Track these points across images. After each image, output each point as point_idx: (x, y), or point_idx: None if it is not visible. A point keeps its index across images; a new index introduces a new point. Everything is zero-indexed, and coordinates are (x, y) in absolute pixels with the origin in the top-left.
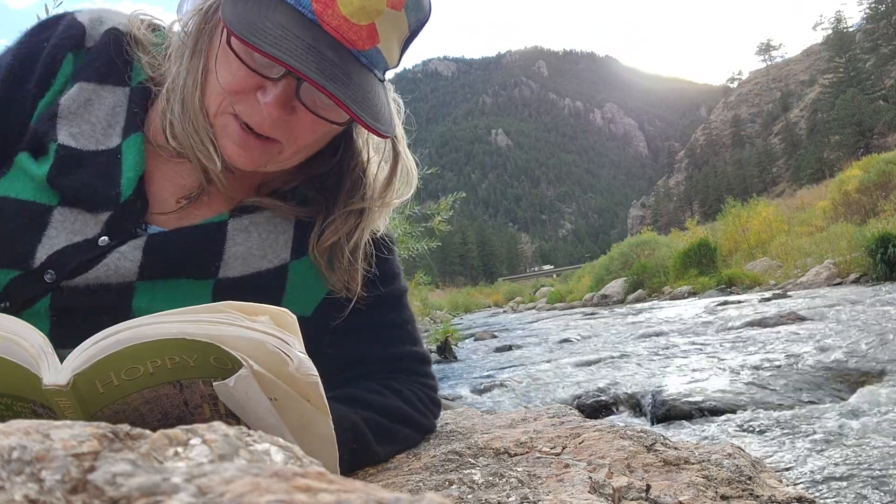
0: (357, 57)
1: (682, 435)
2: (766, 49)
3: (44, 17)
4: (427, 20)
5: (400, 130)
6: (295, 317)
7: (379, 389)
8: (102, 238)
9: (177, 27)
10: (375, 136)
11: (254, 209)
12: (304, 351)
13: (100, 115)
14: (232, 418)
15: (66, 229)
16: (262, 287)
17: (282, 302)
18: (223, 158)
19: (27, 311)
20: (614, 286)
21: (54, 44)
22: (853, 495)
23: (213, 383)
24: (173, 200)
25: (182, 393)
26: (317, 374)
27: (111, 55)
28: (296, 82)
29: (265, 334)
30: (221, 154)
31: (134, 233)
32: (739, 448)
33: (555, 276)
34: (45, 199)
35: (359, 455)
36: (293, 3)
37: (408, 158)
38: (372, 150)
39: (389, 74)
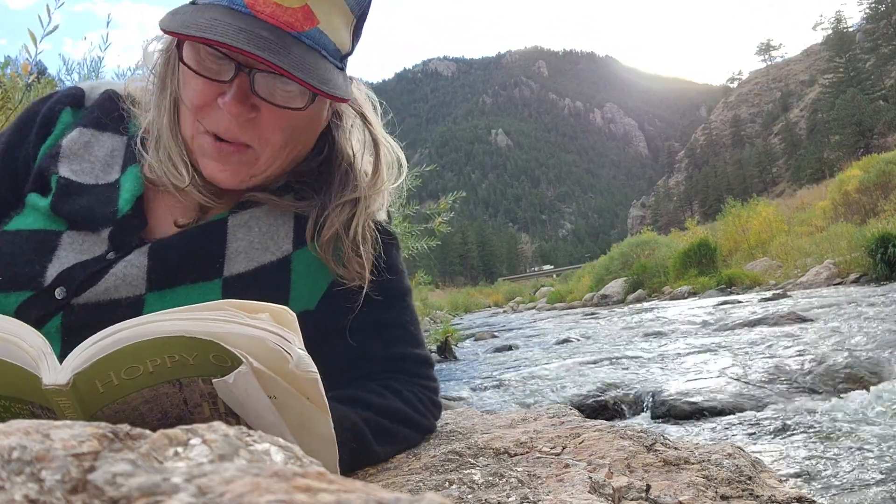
0: (298, 38)
1: (682, 435)
2: (766, 49)
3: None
4: (368, 2)
5: (373, 117)
6: (295, 315)
7: (379, 390)
8: (110, 253)
9: (149, 73)
10: (356, 133)
11: (252, 205)
12: (304, 348)
13: (99, 156)
14: (232, 417)
15: (74, 250)
16: (268, 281)
17: (289, 294)
18: (193, 175)
19: None
20: (614, 286)
21: (56, 100)
22: (853, 495)
23: (213, 381)
24: (172, 224)
25: (182, 392)
26: (316, 370)
27: (108, 109)
28: (248, 78)
29: (265, 331)
30: (203, 173)
31: (137, 245)
32: (739, 448)
33: (555, 276)
34: (53, 226)
35: (358, 455)
36: (227, 3)
37: (388, 143)
38: (356, 145)
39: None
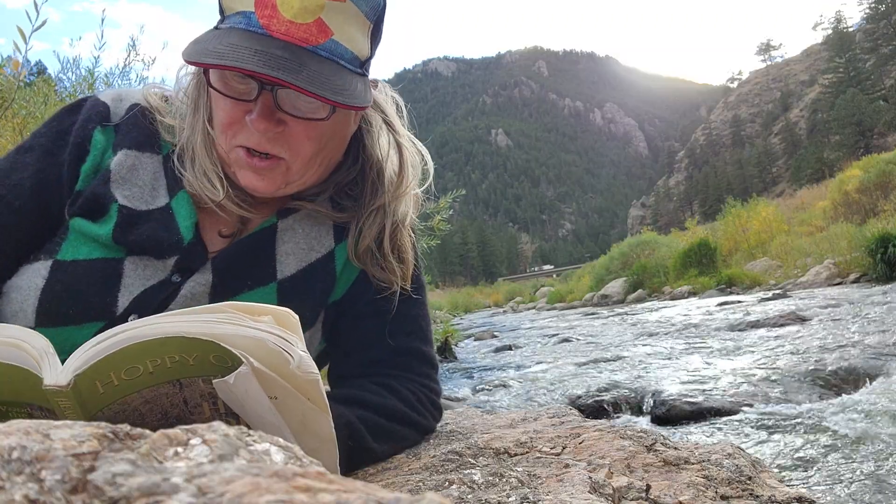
0: (315, 52)
1: (682, 435)
2: (765, 49)
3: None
4: (383, 7)
5: (399, 125)
6: (297, 317)
7: (376, 390)
8: (175, 276)
9: (182, 94)
10: (384, 136)
11: (295, 210)
12: (306, 350)
13: (145, 179)
14: (232, 417)
15: (139, 276)
16: (316, 277)
17: (334, 286)
18: (228, 189)
19: None
20: (614, 286)
21: (84, 118)
22: (853, 495)
23: (213, 381)
24: (217, 235)
25: (182, 392)
26: (317, 372)
27: (141, 127)
28: (271, 95)
29: (266, 333)
30: (241, 183)
31: (201, 265)
32: (739, 448)
33: (555, 276)
34: (112, 254)
35: (355, 452)
36: (244, 26)
37: (412, 144)
38: (384, 148)
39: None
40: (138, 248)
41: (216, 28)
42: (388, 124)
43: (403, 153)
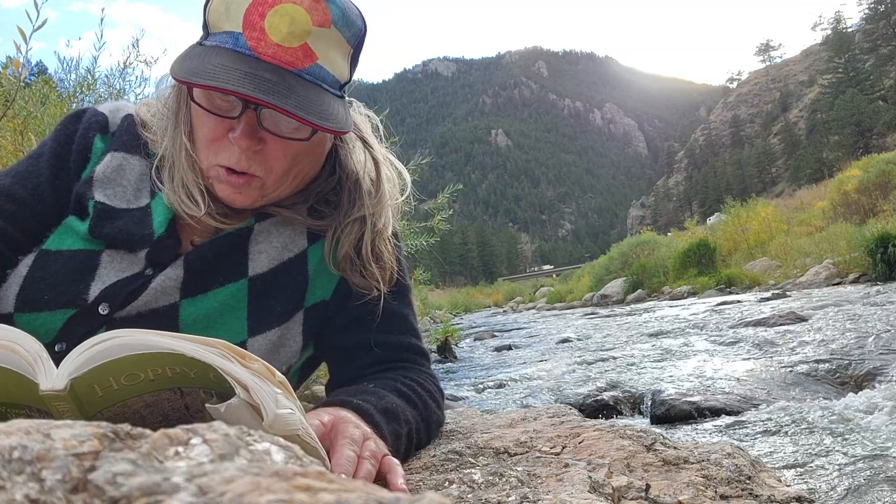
0: (300, 75)
1: (682, 435)
2: (765, 49)
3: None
4: (364, 33)
5: (372, 140)
6: (285, 378)
7: (410, 385)
8: (148, 270)
9: (162, 106)
10: (357, 153)
11: (273, 216)
12: (293, 408)
13: (131, 180)
14: None
15: (114, 268)
16: (288, 276)
17: (307, 286)
18: (210, 205)
19: None
20: (614, 286)
21: (85, 127)
22: (853, 495)
23: (206, 405)
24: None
25: (183, 398)
26: (298, 426)
27: (133, 133)
28: (255, 114)
29: (252, 381)
30: (218, 195)
31: (173, 261)
32: (739, 448)
33: (555, 276)
34: (92, 246)
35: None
36: (231, 46)
37: (388, 161)
38: (359, 164)
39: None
40: (113, 241)
41: (200, 44)
42: (364, 141)
43: (379, 167)
